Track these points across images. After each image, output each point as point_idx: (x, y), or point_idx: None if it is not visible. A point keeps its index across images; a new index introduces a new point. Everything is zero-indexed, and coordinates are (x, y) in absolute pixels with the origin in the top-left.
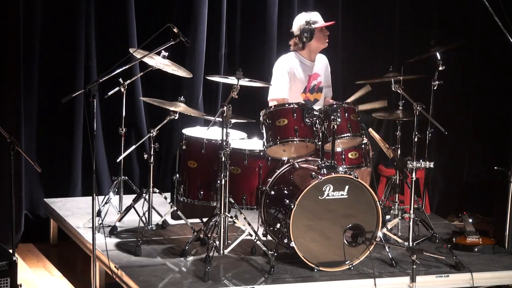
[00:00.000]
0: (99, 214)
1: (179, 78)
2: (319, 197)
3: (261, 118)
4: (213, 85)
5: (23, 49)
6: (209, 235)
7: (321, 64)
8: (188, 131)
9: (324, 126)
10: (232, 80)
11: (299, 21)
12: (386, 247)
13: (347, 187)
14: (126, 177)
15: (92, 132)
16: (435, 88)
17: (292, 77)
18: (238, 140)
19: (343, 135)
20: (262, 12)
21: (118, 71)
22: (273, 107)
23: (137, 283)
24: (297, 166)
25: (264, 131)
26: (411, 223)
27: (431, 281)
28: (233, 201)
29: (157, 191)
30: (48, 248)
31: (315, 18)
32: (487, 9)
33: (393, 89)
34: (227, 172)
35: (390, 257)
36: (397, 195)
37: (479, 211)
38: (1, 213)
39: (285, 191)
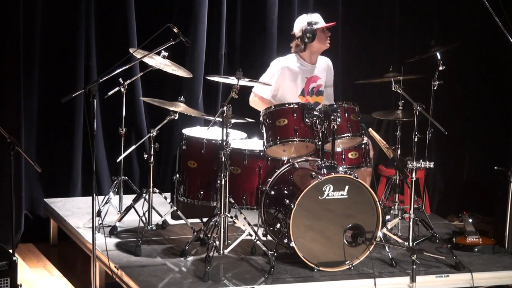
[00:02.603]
0: (99, 214)
1: (179, 78)
2: (319, 197)
3: (261, 118)
4: (213, 85)
5: (23, 49)
6: (209, 235)
7: (323, 67)
8: (188, 131)
9: (324, 126)
10: (232, 80)
11: (301, 22)
12: (386, 247)
13: (347, 187)
14: (126, 177)
15: (92, 132)
16: (435, 88)
17: (284, 81)
18: (238, 140)
19: (343, 135)
20: (262, 12)
21: (118, 71)
22: (273, 107)
23: (137, 283)
24: (297, 166)
25: (264, 131)
26: (411, 223)
27: (431, 281)
28: (233, 201)
29: (157, 191)
30: (48, 248)
31: (317, 19)
32: (487, 9)
33: (393, 89)
34: (227, 172)
35: (390, 257)
36: (397, 195)
37: (479, 211)
38: (1, 213)
39: (285, 191)
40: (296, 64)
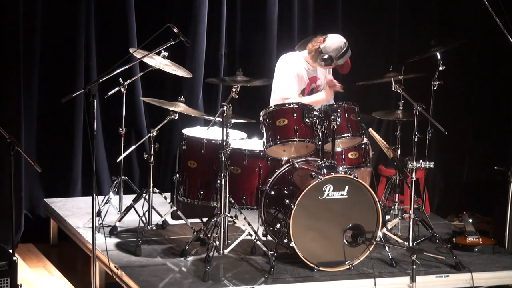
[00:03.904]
0: (99, 214)
1: (179, 78)
2: (319, 197)
3: (261, 118)
4: (213, 85)
5: (23, 49)
6: (209, 235)
7: (322, 69)
8: (188, 131)
9: (324, 126)
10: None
11: (334, 43)
12: (386, 247)
13: (347, 187)
14: (126, 177)
15: (92, 132)
16: (435, 88)
17: (296, 77)
18: (238, 140)
19: (343, 135)
20: (262, 12)
21: (118, 71)
22: (273, 107)
23: (137, 283)
24: (297, 166)
25: (264, 131)
26: (411, 223)
27: (431, 281)
28: (233, 201)
29: (157, 191)
30: (48, 248)
31: (344, 57)
32: (487, 9)
33: (393, 89)
34: (227, 172)
35: (390, 257)
36: (397, 195)
37: (479, 211)
38: (1, 213)
39: (285, 191)
40: (301, 64)
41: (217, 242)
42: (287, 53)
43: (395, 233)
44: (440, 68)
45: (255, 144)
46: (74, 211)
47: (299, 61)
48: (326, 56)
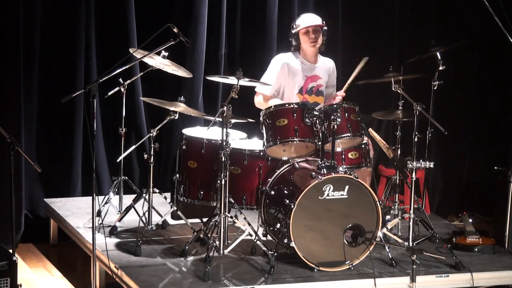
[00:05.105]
0: (99, 214)
1: (179, 78)
2: (319, 197)
3: (261, 118)
4: (213, 85)
5: (23, 49)
6: (209, 235)
7: (325, 68)
8: (188, 131)
9: (324, 126)
10: (232, 80)
11: (303, 14)
12: (386, 247)
13: (347, 187)
14: (126, 177)
15: (92, 132)
16: (435, 88)
17: (284, 77)
18: (238, 140)
19: (343, 135)
20: (262, 12)
21: (118, 71)
22: (273, 107)
23: (137, 283)
24: (297, 166)
25: (264, 131)
26: (411, 223)
27: (431, 281)
28: (233, 201)
29: (157, 191)
30: (48, 248)
31: (299, 21)
32: (487, 9)
33: (393, 89)
34: (227, 172)
35: (390, 257)
36: (397, 195)
37: (479, 211)
38: (1, 213)
39: (285, 191)
40: (296, 61)
41: (217, 242)
42: (282, 53)
43: (395, 233)
44: (440, 68)
45: (255, 144)
46: (74, 211)
47: (291, 59)
48: (291, 30)
